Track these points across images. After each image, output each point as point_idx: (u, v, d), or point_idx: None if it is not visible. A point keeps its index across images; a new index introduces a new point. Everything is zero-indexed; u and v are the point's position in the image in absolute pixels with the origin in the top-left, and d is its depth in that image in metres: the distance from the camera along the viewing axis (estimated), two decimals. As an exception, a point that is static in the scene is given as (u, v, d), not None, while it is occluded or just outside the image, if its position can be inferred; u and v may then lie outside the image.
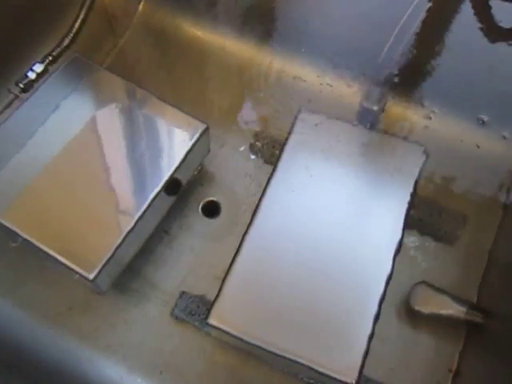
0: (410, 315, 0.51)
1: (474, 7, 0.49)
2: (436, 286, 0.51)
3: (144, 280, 0.55)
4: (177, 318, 0.53)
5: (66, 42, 0.54)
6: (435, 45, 0.54)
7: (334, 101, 0.61)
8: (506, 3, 0.47)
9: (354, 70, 0.58)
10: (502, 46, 0.52)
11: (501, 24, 0.50)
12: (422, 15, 0.47)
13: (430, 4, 0.48)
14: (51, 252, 0.47)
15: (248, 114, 0.63)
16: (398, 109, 0.59)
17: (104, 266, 0.46)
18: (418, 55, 0.54)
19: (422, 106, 0.58)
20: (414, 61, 0.55)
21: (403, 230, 0.48)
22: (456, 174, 0.58)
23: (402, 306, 0.52)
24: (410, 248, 0.54)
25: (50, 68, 0.53)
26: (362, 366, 0.43)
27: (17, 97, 0.53)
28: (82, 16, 0.53)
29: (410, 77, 0.56)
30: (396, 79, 0.53)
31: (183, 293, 0.54)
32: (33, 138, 0.51)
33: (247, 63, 0.66)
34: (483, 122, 0.54)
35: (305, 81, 0.64)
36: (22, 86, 0.53)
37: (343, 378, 0.42)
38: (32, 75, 0.53)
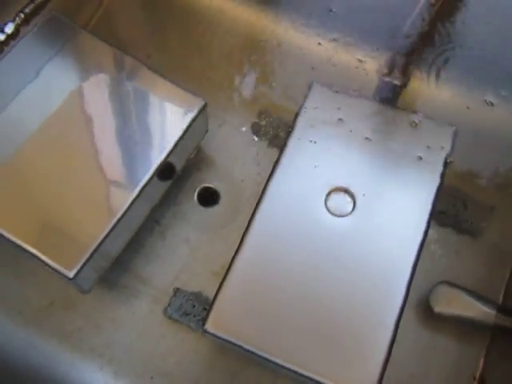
0: (430, 317, 0.47)
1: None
2: (459, 285, 0.47)
3: (133, 275, 0.51)
4: (170, 317, 0.49)
5: None
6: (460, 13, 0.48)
7: (346, 76, 0.56)
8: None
9: (371, 40, 0.53)
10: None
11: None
12: None
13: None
14: (25, 245, 0.42)
15: (250, 89, 0.59)
16: (420, 85, 0.54)
17: (87, 262, 0.41)
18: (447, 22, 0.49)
19: (447, 83, 0.53)
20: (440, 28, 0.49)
21: (429, 222, 0.43)
22: (486, 162, 0.53)
23: (420, 307, 0.48)
24: (432, 243, 0.50)
25: (22, 29, 0.48)
26: (381, 381, 0.38)
27: None
28: None
29: (437, 46, 0.51)
30: (420, 51, 0.48)
31: (177, 290, 0.50)
32: (4, 111, 0.45)
33: (249, 30, 0.61)
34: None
35: (315, 53, 0.59)
36: None
37: None
38: (1, 36, 0.48)
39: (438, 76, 0.53)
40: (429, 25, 0.46)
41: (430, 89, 0.54)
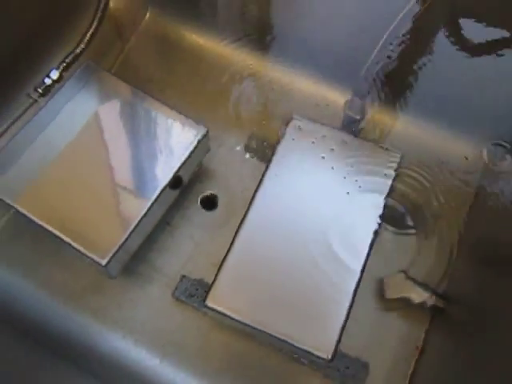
0: (383, 300, 0.57)
1: (446, 27, 0.55)
2: (407, 275, 0.57)
3: (148, 265, 0.59)
4: (177, 299, 0.58)
5: (79, 49, 0.58)
6: (415, 59, 0.59)
7: (322, 107, 0.65)
8: (473, 24, 0.53)
9: (342, 81, 0.62)
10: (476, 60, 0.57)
11: (471, 40, 0.55)
12: (400, 37, 0.52)
13: (409, 25, 0.54)
14: (67, 239, 0.51)
15: (244, 117, 0.67)
16: (380, 116, 0.64)
17: (115, 253, 0.51)
18: (400, 68, 0.60)
19: (402, 114, 0.63)
20: (395, 73, 0.60)
21: (379, 223, 0.54)
22: (430, 177, 0.63)
23: (376, 291, 0.58)
24: (386, 241, 0.60)
25: (65, 74, 0.57)
26: (338, 344, 0.49)
27: (35, 101, 0.56)
28: (94, 26, 0.57)
29: (392, 87, 0.61)
30: (377, 92, 0.59)
31: (183, 277, 0.59)
32: (44, 131, 0.55)
33: (244, 69, 0.70)
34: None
35: (297, 88, 0.68)
36: (40, 91, 0.56)
37: (320, 354, 0.48)
38: (48, 81, 0.57)
39: (395, 109, 0.64)
40: (385, 68, 0.57)
41: (386, 119, 0.64)
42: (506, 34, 0.51)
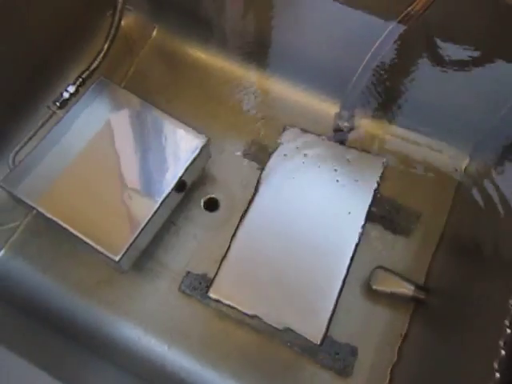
0: (370, 292, 0.61)
1: (426, 45, 0.60)
2: (391, 270, 0.61)
3: (156, 261, 0.63)
4: (183, 292, 0.61)
5: (94, 66, 0.63)
6: (399, 74, 0.65)
7: (315, 118, 0.69)
8: (448, 43, 0.58)
9: (333, 94, 0.67)
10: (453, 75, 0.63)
11: (447, 58, 0.61)
12: (386, 53, 0.57)
13: (392, 44, 0.59)
14: (83, 237, 0.55)
15: (243, 126, 0.71)
16: (367, 125, 0.68)
17: (127, 250, 0.55)
18: (384, 81, 0.65)
19: (389, 124, 0.69)
20: (380, 86, 0.66)
21: (364, 223, 0.59)
22: (415, 181, 0.67)
23: (364, 284, 0.62)
24: (373, 239, 0.64)
25: (81, 88, 0.62)
26: (327, 330, 0.54)
27: (54, 113, 0.61)
28: (107, 44, 0.63)
29: (377, 99, 0.67)
30: (363, 104, 0.64)
31: (188, 272, 0.62)
32: (61, 140, 0.59)
33: (244, 82, 0.74)
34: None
35: (293, 99, 0.72)
36: (58, 104, 0.61)
37: (311, 339, 0.54)
38: (66, 95, 0.61)
39: (382, 119, 0.69)
40: (370, 82, 0.62)
41: (376, 129, 0.69)
42: (475, 54, 0.56)
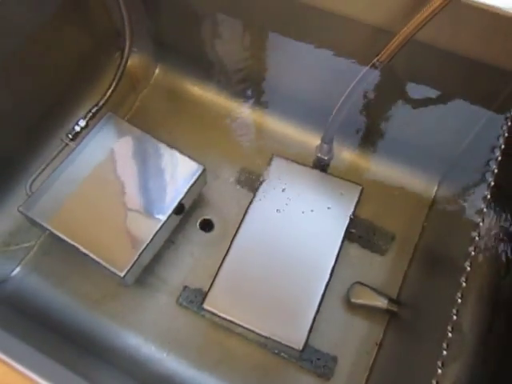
0: (349, 305, 0.67)
1: (398, 86, 0.68)
2: (368, 285, 0.67)
3: (156, 277, 0.68)
4: (180, 305, 0.66)
5: (102, 102, 0.69)
6: (376, 111, 0.72)
7: (301, 148, 0.77)
8: (414, 84, 0.66)
9: (316, 126, 0.74)
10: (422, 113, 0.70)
11: (416, 97, 0.69)
12: (363, 88, 0.64)
13: (366, 85, 0.67)
14: (92, 255, 0.61)
15: (236, 155, 0.77)
16: (348, 156, 0.77)
17: (131, 267, 0.61)
18: (361, 116, 0.73)
19: (364, 152, 0.76)
20: (357, 120, 0.74)
21: (342, 243, 0.65)
22: (390, 205, 0.74)
23: (343, 298, 0.68)
24: (352, 257, 0.71)
25: (90, 122, 0.68)
26: (308, 338, 0.60)
27: (67, 145, 0.67)
28: (115, 83, 0.70)
29: (354, 132, 0.75)
30: (345, 136, 0.72)
31: (185, 287, 0.67)
32: (71, 166, 0.65)
33: (238, 116, 0.81)
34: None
35: (281, 132, 0.79)
36: (70, 136, 0.67)
37: (294, 346, 0.60)
38: (77, 128, 0.67)
39: (358, 150, 0.77)
40: (347, 118, 0.69)
41: (354, 159, 0.77)
42: (438, 94, 0.64)
